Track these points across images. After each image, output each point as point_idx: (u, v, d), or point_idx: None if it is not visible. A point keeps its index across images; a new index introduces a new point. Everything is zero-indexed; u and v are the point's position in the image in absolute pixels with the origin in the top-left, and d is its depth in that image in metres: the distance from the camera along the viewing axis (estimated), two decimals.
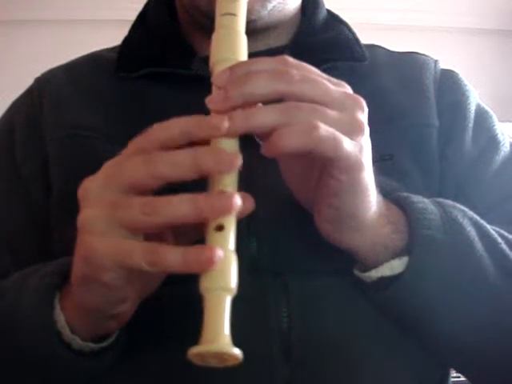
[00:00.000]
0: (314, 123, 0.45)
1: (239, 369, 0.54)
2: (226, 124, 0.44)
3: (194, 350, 0.43)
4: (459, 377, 0.65)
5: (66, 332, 0.51)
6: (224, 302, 0.43)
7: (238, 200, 0.43)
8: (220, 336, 0.42)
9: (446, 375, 0.66)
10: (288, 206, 0.59)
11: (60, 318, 0.51)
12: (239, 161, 0.44)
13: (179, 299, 0.53)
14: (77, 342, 0.51)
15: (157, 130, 0.46)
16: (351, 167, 0.48)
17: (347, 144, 0.46)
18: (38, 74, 0.75)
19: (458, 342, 0.57)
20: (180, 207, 0.43)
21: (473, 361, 0.60)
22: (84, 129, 0.65)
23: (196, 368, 0.54)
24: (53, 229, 0.63)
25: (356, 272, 0.57)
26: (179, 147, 0.45)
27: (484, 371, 0.61)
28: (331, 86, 0.48)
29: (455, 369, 0.65)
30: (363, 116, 0.49)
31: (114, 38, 0.78)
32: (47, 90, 0.70)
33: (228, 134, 0.46)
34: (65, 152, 0.64)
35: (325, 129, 0.45)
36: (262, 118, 0.46)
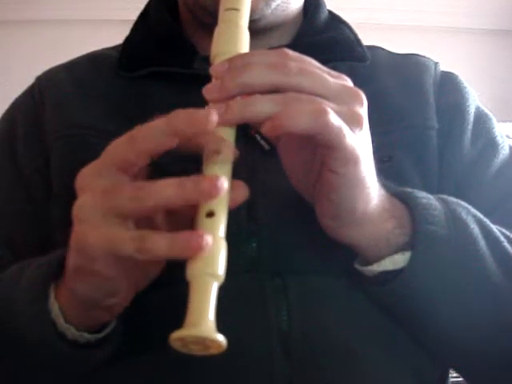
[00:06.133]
0: (324, 108, 0.45)
1: (238, 369, 0.54)
2: (214, 118, 0.44)
3: (175, 335, 0.41)
4: (459, 377, 0.65)
5: (60, 321, 0.51)
6: (210, 287, 0.42)
7: (224, 183, 0.43)
8: (203, 321, 0.41)
9: (446, 375, 0.66)
10: (288, 206, 0.59)
11: (54, 308, 0.51)
12: (213, 120, 0.44)
13: (171, 301, 0.53)
14: (71, 331, 0.51)
15: (153, 125, 0.46)
16: (349, 159, 0.47)
17: (349, 135, 0.46)
18: (38, 74, 0.75)
19: (456, 339, 0.57)
20: (167, 191, 0.43)
21: (471, 359, 0.60)
22: (85, 127, 0.66)
23: (193, 369, 0.54)
24: (53, 227, 0.63)
25: (357, 266, 0.56)
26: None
27: (482, 371, 0.61)
28: (330, 79, 0.48)
29: (452, 367, 0.65)
30: (362, 109, 0.48)
31: (114, 38, 0.78)
32: (49, 89, 0.71)
33: (225, 123, 0.46)
34: (65, 151, 0.65)
35: (333, 115, 0.45)
36: (260, 106, 0.46)
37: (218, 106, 0.46)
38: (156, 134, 0.44)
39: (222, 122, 0.46)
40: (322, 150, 0.47)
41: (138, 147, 0.44)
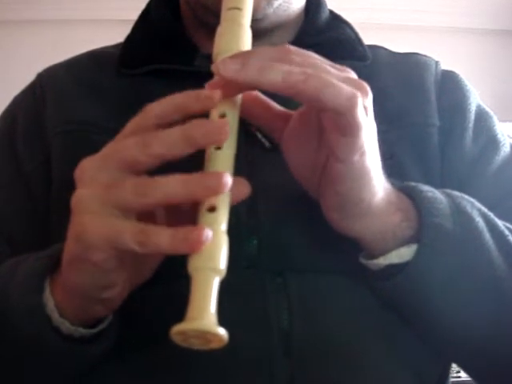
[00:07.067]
0: (331, 80, 0.45)
1: (239, 367, 0.54)
2: (218, 95, 0.45)
3: (176, 328, 0.41)
4: (459, 377, 0.65)
5: (55, 315, 0.51)
6: (212, 281, 0.43)
7: (228, 179, 0.43)
8: (205, 314, 0.41)
9: (446, 374, 0.66)
10: (289, 204, 0.59)
11: (49, 302, 0.51)
12: (227, 130, 0.44)
13: (168, 298, 0.53)
14: (66, 326, 0.51)
15: (153, 105, 0.47)
16: (355, 130, 0.47)
17: (361, 106, 0.46)
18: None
19: (460, 335, 0.57)
20: (171, 187, 0.43)
21: (475, 356, 0.60)
22: (85, 124, 0.66)
23: (193, 367, 0.54)
24: (52, 222, 0.63)
25: (363, 260, 0.56)
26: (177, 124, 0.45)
27: (486, 366, 0.61)
28: (334, 71, 0.48)
29: (458, 364, 0.65)
30: (367, 100, 0.48)
31: (115, 38, 0.78)
32: (49, 85, 0.71)
33: (237, 81, 0.46)
34: (66, 147, 0.65)
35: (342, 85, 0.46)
36: (275, 73, 0.45)
37: (214, 90, 0.46)
38: (172, 141, 0.44)
39: (234, 80, 0.46)
40: (333, 116, 0.47)
41: (151, 152, 0.44)
